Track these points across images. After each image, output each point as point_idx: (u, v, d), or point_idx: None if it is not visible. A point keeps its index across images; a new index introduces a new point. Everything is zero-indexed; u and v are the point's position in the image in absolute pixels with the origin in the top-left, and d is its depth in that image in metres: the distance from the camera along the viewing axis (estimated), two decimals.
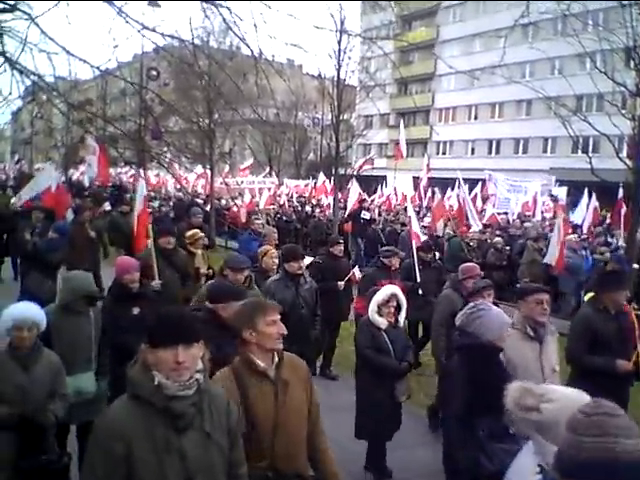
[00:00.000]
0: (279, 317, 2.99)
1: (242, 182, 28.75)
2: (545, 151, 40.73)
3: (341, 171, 14.67)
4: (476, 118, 47.66)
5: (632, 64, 7.73)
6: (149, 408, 2.20)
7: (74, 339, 4.42)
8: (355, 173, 20.98)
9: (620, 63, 8.12)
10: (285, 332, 2.94)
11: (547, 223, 15.94)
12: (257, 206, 20.59)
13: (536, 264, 11.09)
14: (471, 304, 3.77)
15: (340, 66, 12.33)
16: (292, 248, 6.67)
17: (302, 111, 43.01)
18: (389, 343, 4.96)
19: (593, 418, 1.57)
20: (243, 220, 16.53)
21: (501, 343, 3.56)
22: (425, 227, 14.46)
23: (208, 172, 19.81)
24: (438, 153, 49.54)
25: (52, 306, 4.60)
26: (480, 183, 21.83)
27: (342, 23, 11.94)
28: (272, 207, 20.68)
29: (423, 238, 9.92)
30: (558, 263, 10.71)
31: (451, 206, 16.27)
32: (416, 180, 23.33)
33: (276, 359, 2.93)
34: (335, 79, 12.94)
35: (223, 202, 22.37)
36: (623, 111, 8.29)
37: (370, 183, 26.88)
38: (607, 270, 5.77)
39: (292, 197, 25.67)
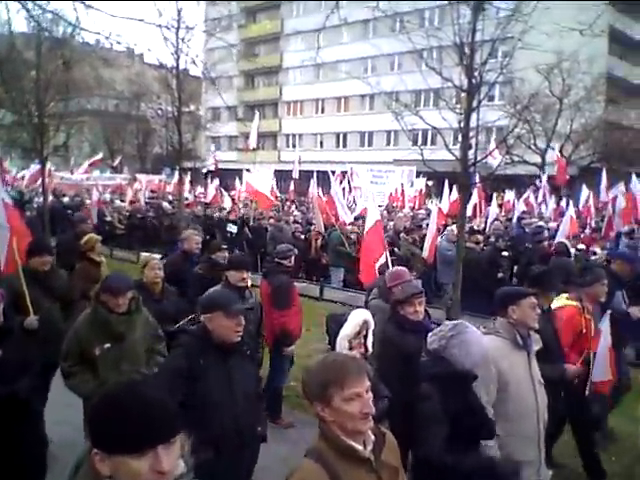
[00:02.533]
0: (367, 385, 2.14)
1: (87, 178, 26.80)
2: (389, 144, 42.76)
3: (189, 164, 14.14)
4: (323, 111, 48.92)
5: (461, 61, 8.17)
6: None
7: None
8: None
9: (452, 60, 8.53)
10: (373, 412, 2.13)
11: (411, 214, 16.13)
12: (104, 203, 19.35)
13: (416, 257, 10.62)
14: (449, 324, 3.33)
15: (179, 56, 11.84)
16: (236, 256, 5.86)
17: (144, 102, 41.09)
18: None
19: None
20: (94, 221, 15.35)
21: (478, 371, 3.21)
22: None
23: (51, 167, 18.07)
24: (288, 146, 50.17)
25: None
26: (345, 175, 22.27)
27: (179, 13, 11.45)
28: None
29: None
30: (429, 253, 10.71)
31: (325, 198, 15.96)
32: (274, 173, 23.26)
33: (372, 437, 2.18)
34: (175, 70, 12.43)
35: (66, 199, 20.66)
36: (457, 106, 8.76)
37: (225, 178, 26.46)
38: (540, 270, 5.54)
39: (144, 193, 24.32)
